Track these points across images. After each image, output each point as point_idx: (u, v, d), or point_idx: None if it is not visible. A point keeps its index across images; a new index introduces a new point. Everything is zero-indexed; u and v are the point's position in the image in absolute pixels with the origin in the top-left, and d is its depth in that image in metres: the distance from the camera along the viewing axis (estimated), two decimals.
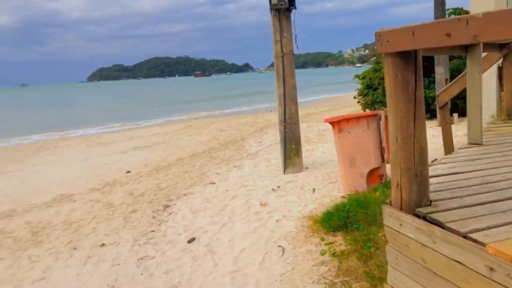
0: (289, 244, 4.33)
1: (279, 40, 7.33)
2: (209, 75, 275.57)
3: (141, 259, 4.50)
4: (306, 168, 7.61)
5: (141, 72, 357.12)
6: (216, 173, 8.29)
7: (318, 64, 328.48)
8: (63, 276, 4.29)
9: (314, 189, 6.20)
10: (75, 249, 4.96)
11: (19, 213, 6.81)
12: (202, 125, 17.22)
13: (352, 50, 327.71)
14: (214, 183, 7.54)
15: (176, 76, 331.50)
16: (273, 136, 11.55)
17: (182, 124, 19.19)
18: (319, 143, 10.14)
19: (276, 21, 7.29)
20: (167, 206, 6.33)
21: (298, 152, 7.60)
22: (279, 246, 4.34)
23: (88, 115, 34.39)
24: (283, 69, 7.43)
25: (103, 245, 5.01)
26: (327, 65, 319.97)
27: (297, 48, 7.58)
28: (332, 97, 32.36)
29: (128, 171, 9.46)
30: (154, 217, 5.89)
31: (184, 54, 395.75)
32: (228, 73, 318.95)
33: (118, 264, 4.42)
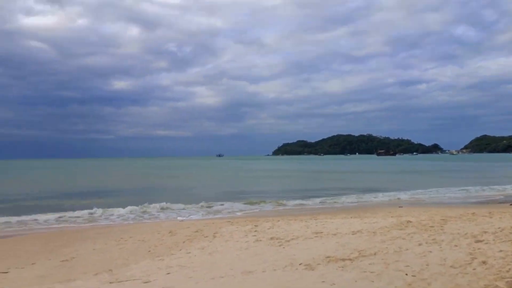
0: None
1: None
2: (393, 154, 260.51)
3: None
4: None
5: (322, 149, 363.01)
6: None
7: None
8: None
9: None
10: None
11: None
12: (430, 223, 10.87)
13: None
14: None
15: (357, 154, 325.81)
16: None
17: (392, 216, 13.11)
18: None
19: None
20: None
21: None
22: None
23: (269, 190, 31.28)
24: None
25: None
26: None
27: None
28: None
29: None
30: None
31: (367, 133, 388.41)
32: (414, 153, 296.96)
33: None
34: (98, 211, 17.84)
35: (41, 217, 16.68)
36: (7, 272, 8.27)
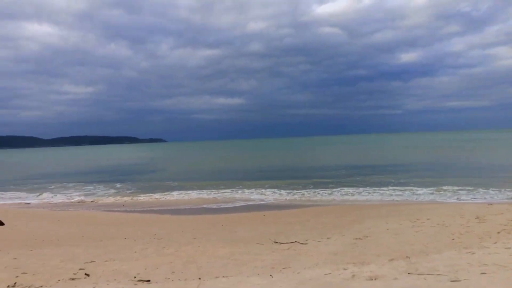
0: None
1: None
2: None
3: None
4: None
5: None
6: None
7: None
8: None
9: None
10: None
11: None
12: None
13: None
14: None
15: None
16: None
17: None
18: None
19: None
20: None
21: None
22: None
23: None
24: None
25: None
26: None
27: None
28: None
29: None
30: None
31: None
32: None
33: None
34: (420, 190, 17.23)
35: (325, 191, 17.40)
36: (306, 244, 8.50)
